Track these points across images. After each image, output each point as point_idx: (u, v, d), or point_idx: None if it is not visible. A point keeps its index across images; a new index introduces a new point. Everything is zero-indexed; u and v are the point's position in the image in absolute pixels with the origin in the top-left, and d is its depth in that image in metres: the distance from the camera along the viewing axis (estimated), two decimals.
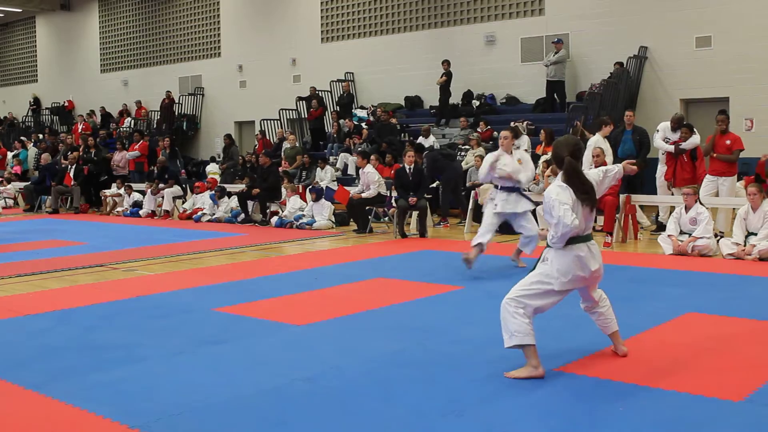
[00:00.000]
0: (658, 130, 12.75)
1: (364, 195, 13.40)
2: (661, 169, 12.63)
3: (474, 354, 5.30)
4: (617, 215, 11.43)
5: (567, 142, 4.97)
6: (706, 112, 16.19)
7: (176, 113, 26.32)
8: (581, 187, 4.84)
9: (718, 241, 10.14)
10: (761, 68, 16.11)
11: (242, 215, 15.58)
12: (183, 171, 18.61)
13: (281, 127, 21.99)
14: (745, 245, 9.66)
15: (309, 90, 22.07)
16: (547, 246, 4.97)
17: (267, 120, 22.62)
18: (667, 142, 12.41)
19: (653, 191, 13.36)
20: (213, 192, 16.47)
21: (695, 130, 12.37)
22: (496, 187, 9.02)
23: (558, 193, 4.84)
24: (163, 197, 17.41)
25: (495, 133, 17.49)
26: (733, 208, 11.07)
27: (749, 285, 7.89)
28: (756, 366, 4.94)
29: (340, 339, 5.84)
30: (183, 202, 17.65)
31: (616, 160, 13.34)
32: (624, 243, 11.55)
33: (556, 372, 4.84)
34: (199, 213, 16.23)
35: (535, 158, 14.36)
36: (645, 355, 5.24)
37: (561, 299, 5.00)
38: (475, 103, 19.63)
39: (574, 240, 4.86)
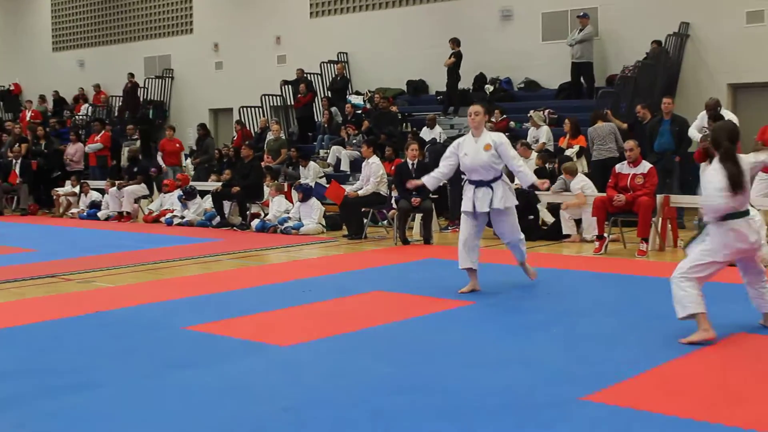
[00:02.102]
0: (697, 118, 12.75)
1: (360, 192, 13.38)
2: (703, 167, 12.61)
3: (486, 380, 5.28)
4: (653, 219, 11.42)
5: (727, 128, 6.34)
6: (757, 99, 16.19)
7: (141, 99, 26.32)
8: (735, 171, 6.06)
9: None
10: None
11: (217, 218, 15.57)
12: (154, 169, 18.52)
13: (264, 116, 21.99)
14: None
15: (296, 73, 22.07)
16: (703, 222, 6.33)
17: (247, 107, 22.60)
18: (704, 133, 12.38)
19: (696, 191, 13.34)
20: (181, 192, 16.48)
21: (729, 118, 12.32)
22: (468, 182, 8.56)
23: (712, 174, 6.12)
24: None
25: (512, 122, 17.51)
26: None
27: None
28: None
29: (330, 362, 5.82)
30: (149, 203, 17.64)
31: (652, 154, 13.36)
32: (661, 251, 11.53)
33: (583, 401, 4.82)
34: (169, 215, 16.22)
35: (559, 152, 14.39)
36: (690, 382, 5.22)
37: (723, 268, 6.33)
38: (489, 88, 19.63)
39: (731, 216, 6.13)
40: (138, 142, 20.60)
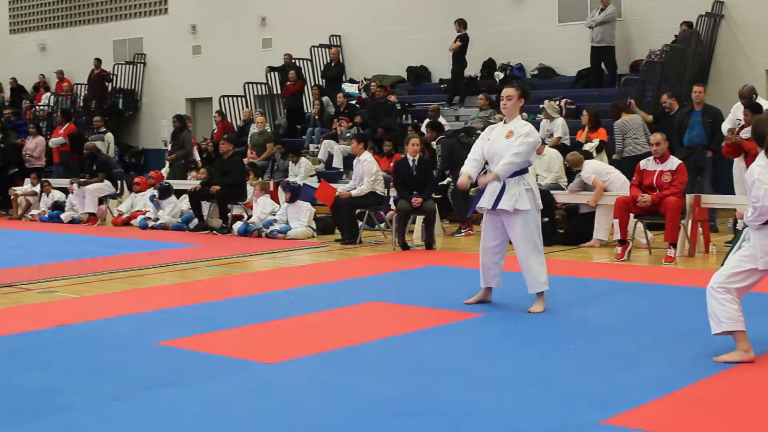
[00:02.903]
0: (731, 111, 12.75)
1: (354, 193, 13.40)
2: (737, 163, 12.65)
3: (497, 402, 5.30)
4: (682, 221, 11.43)
5: None
6: None
7: (110, 87, 26.33)
8: None
9: None
10: None
11: (195, 220, 15.57)
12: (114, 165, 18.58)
13: (247, 107, 22.00)
14: None
15: (283, 58, 22.09)
16: (745, 226, 6.27)
17: (228, 97, 22.62)
18: (738, 126, 12.40)
19: (729, 190, 13.36)
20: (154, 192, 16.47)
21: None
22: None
23: (761, 172, 5.99)
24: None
25: (524, 114, 17.43)
26: None
27: None
28: None
29: (322, 382, 5.83)
30: (118, 203, 17.65)
31: (681, 149, 13.38)
32: (692, 257, 11.56)
33: (604, 425, 4.84)
34: (141, 217, 16.22)
35: (576, 147, 14.40)
36: (720, 405, 5.24)
37: (763, 278, 6.22)
38: (499, 75, 19.66)
39: None
40: (106, 136, 20.58)
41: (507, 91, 8.21)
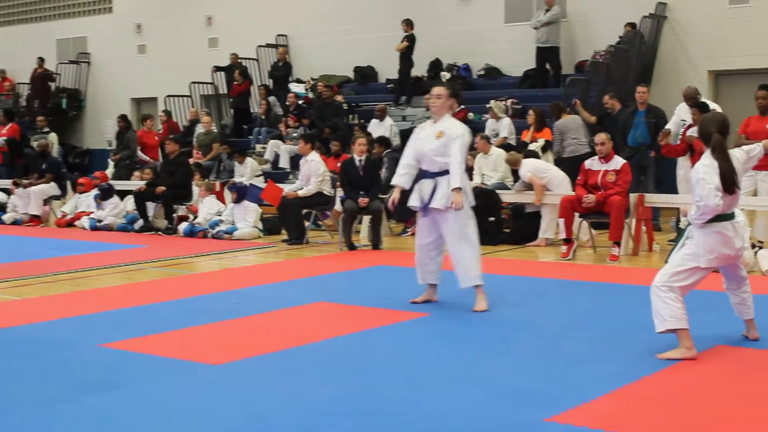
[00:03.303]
0: (675, 113, 12.88)
1: (301, 193, 13.37)
2: (684, 164, 12.78)
3: (441, 401, 5.32)
4: (626, 220, 11.54)
5: (714, 119, 6.38)
6: (741, 88, 16.43)
7: (53, 87, 26.05)
8: (728, 168, 6.08)
9: (756, 253, 10.29)
10: None
11: (140, 221, 15.47)
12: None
13: (193, 106, 21.88)
14: None
15: (229, 58, 21.98)
16: (688, 224, 6.38)
17: (174, 97, 22.48)
18: (683, 127, 12.53)
19: (672, 189, 13.51)
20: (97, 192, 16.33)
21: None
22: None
23: (705, 171, 6.11)
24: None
25: (471, 114, 17.61)
26: None
27: None
28: None
29: (268, 383, 5.82)
30: (62, 204, 17.47)
31: (625, 149, 13.51)
32: (635, 256, 11.67)
33: (549, 423, 4.87)
34: (85, 218, 16.07)
35: (522, 147, 14.49)
36: (662, 400, 5.30)
37: (706, 276, 6.36)
38: (445, 75, 19.71)
39: (718, 218, 6.15)
40: (50, 136, 20.34)
41: (437, 90, 8.24)
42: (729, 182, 6.07)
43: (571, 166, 13.65)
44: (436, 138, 8.06)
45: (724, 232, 6.19)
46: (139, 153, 17.60)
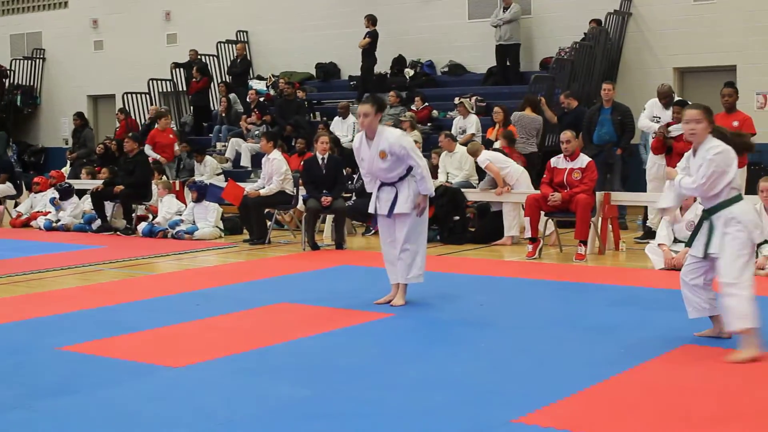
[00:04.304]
0: (644, 109, 12.95)
1: (263, 192, 13.34)
2: (655, 160, 12.84)
3: (405, 403, 5.32)
4: (592, 218, 11.60)
5: (708, 109, 6.59)
6: (707, 85, 16.57)
7: (7, 83, 25.83)
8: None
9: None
10: None
11: (98, 221, 15.37)
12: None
13: (152, 104, 21.77)
14: (757, 257, 9.88)
15: (189, 54, 21.89)
16: (706, 211, 6.44)
17: (132, 94, 22.35)
18: (657, 122, 12.60)
19: (638, 187, 13.61)
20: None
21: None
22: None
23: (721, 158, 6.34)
24: None
25: (435, 111, 17.65)
26: None
27: (762, 309, 8.08)
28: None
29: (230, 385, 5.80)
30: (15, 204, 17.33)
31: (591, 147, 13.59)
32: (602, 255, 11.74)
33: (515, 424, 4.89)
34: (43, 218, 15.96)
35: (488, 145, 14.54)
36: (630, 400, 5.33)
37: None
38: (409, 72, 19.75)
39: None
40: (0, 134, 20.17)
41: (363, 108, 8.19)
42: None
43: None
44: (381, 159, 8.13)
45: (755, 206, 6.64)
46: (150, 152, 17.29)
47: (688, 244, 6.65)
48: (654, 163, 12.83)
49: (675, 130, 12.05)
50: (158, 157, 17.35)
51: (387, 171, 8.20)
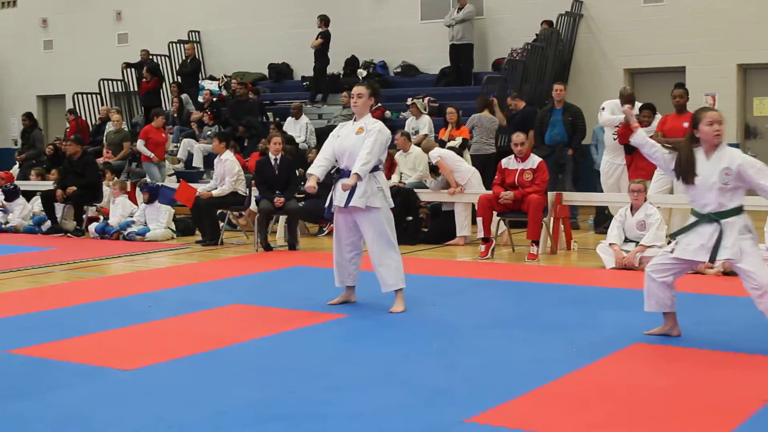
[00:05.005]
0: (603, 108, 12.87)
1: (215, 193, 13.30)
2: (610, 160, 12.85)
3: (358, 403, 5.32)
4: (544, 219, 11.67)
5: None
6: (657, 86, 16.75)
7: None
8: None
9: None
10: (725, 29, 16.75)
11: (48, 222, 15.25)
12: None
13: (103, 104, 21.61)
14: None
15: (140, 54, 21.73)
16: (715, 214, 6.47)
17: (82, 94, 22.17)
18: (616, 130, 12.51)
19: (590, 187, 13.71)
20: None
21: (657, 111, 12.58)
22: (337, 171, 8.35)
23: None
24: None
25: (387, 112, 17.67)
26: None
27: (711, 307, 8.19)
28: (721, 410, 5.13)
29: (182, 388, 5.77)
30: None
31: (542, 147, 13.67)
32: (554, 255, 11.82)
33: (468, 423, 4.91)
34: None
35: (441, 145, 14.57)
36: (582, 399, 5.37)
37: None
38: (362, 72, 19.76)
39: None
40: None
41: (357, 90, 8.26)
42: None
43: (473, 163, 13.81)
44: (357, 134, 8.10)
45: None
46: (143, 148, 17.01)
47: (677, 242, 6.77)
48: (612, 164, 12.80)
49: (650, 131, 12.04)
50: (152, 155, 17.13)
51: (354, 149, 8.03)
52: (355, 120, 8.29)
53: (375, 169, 8.11)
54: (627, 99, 12.56)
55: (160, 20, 22.73)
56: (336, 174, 8.28)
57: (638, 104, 12.42)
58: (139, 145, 17.13)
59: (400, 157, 14.25)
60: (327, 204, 8.30)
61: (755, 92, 17.12)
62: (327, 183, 8.44)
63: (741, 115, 17.02)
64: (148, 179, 16.25)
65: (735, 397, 5.34)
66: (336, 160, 8.28)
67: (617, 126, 12.33)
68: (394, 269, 8.12)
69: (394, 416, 5.04)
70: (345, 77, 19.82)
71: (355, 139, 8.09)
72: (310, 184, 8.20)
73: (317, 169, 8.27)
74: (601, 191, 13.16)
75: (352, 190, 7.98)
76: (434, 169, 13.52)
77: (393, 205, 8.33)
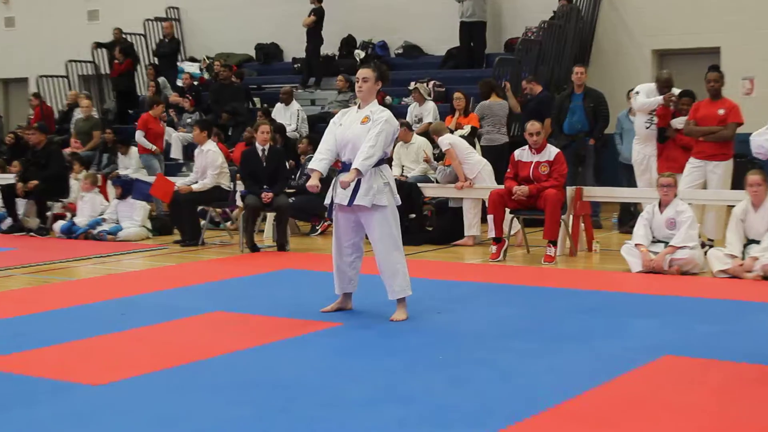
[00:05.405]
0: (637, 93, 12.73)
1: (195, 187, 13.28)
2: (641, 150, 12.74)
3: (354, 422, 5.31)
4: (563, 217, 11.65)
5: None
6: (688, 70, 16.72)
7: None
8: None
9: (705, 252, 10.47)
10: (764, 5, 16.72)
11: (8, 220, 15.25)
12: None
13: (71, 88, 21.62)
14: (743, 258, 9.98)
15: (112, 33, 21.74)
16: None
17: (48, 77, 22.21)
18: (651, 123, 12.43)
19: (613, 181, 13.67)
20: None
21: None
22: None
23: None
24: None
25: (388, 98, 17.65)
26: (729, 206, 11.42)
27: (749, 314, 8.18)
28: (763, 430, 5.11)
29: (159, 404, 5.76)
30: None
31: (561, 136, 13.65)
32: (573, 257, 11.80)
33: None
34: None
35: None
36: (605, 418, 5.36)
37: None
38: (359, 54, 19.77)
39: None
40: None
41: (363, 72, 8.16)
42: None
43: (484, 155, 13.71)
44: (362, 123, 8.01)
45: None
46: (143, 140, 16.97)
47: None
48: (644, 154, 12.71)
49: (678, 123, 12.04)
50: (153, 147, 17.09)
51: (358, 139, 7.95)
52: (359, 107, 8.22)
53: (380, 162, 8.05)
54: (664, 83, 12.51)
55: None
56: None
57: (676, 90, 12.37)
58: (138, 136, 17.11)
59: (401, 149, 14.18)
60: (328, 202, 8.25)
61: None
62: (325, 178, 8.32)
63: None
64: (120, 172, 16.23)
65: None
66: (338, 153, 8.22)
67: (653, 111, 12.31)
68: (402, 274, 8.09)
69: None
70: (340, 59, 19.84)
71: (360, 130, 8.01)
72: (312, 183, 8.08)
73: (319, 163, 8.17)
74: (628, 185, 13.13)
75: (356, 186, 7.93)
76: (440, 158, 13.50)
77: (400, 202, 8.29)
